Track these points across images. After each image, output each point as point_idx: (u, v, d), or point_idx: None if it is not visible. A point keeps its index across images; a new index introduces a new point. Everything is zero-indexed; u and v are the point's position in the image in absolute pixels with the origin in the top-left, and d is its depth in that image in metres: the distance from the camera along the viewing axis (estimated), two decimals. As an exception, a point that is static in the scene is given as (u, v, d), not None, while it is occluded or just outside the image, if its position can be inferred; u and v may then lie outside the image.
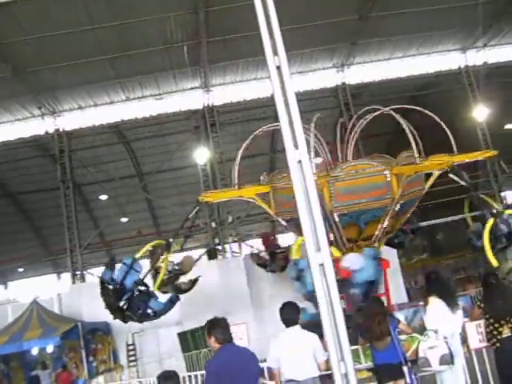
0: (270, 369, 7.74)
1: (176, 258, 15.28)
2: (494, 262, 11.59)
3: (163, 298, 13.76)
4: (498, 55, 29.84)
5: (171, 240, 14.48)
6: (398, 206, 13.78)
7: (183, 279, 14.89)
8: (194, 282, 14.97)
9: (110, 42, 22.28)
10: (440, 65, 29.45)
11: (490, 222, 12.35)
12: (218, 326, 5.57)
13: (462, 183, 13.32)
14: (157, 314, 13.47)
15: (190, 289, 15.02)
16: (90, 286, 24.14)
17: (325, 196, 13.31)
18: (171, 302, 13.83)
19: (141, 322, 13.83)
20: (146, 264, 14.84)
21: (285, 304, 7.16)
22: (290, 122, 3.48)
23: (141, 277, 13.37)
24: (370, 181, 13.64)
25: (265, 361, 7.20)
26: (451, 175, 13.24)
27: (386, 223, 14.04)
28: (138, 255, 13.84)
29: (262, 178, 15.67)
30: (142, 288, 13.33)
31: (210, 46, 23.78)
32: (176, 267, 14.79)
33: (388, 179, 13.57)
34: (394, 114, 13.97)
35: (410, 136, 13.30)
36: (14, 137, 27.80)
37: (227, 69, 26.69)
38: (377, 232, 14.30)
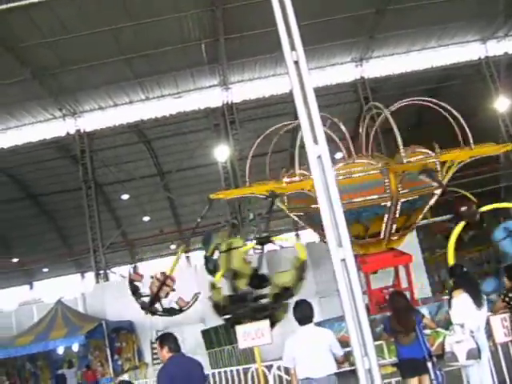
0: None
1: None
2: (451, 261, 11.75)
3: None
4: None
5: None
6: (399, 204, 13.76)
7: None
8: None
9: (127, 43, 22.39)
10: (460, 56, 29.12)
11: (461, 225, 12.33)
12: (170, 339, 6.32)
13: (434, 184, 13.19)
14: None
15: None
16: (114, 285, 24.42)
17: (391, 183, 13.39)
18: None
19: None
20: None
21: (298, 302, 7.10)
22: (309, 118, 3.45)
23: None
24: (368, 179, 13.61)
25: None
26: (421, 176, 13.14)
27: (390, 220, 14.01)
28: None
29: (282, 173, 15.67)
30: None
31: (227, 44, 23.79)
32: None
33: (385, 177, 13.56)
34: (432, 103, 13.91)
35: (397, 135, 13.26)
36: (35, 138, 28.13)
37: (245, 66, 26.68)
38: (382, 229, 14.28)
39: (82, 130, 28.04)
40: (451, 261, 11.62)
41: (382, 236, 14.61)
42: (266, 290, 12.20)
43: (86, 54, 22.32)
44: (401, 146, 13.45)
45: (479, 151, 14.06)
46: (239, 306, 12.71)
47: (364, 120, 15.93)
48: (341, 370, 6.68)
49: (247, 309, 12.59)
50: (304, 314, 6.88)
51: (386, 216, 14.00)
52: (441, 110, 14.30)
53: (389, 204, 13.74)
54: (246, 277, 12.47)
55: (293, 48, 3.54)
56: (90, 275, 30.24)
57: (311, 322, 6.84)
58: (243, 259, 12.68)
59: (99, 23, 20.72)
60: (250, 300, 12.14)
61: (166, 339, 6.31)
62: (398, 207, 13.80)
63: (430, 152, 14.05)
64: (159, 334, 20.30)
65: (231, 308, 12.70)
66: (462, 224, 12.05)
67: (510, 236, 11.36)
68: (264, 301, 12.25)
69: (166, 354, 6.18)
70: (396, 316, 7.62)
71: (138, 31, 21.78)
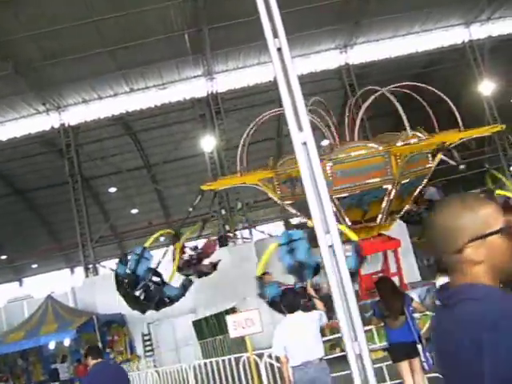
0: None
1: (199, 242, 15.38)
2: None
3: (176, 284, 13.75)
4: (502, 28, 29.49)
5: (180, 231, 14.68)
6: (399, 187, 13.76)
7: (205, 263, 14.92)
8: (214, 265, 15.02)
9: (110, 34, 22.21)
10: (444, 41, 29.18)
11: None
12: (93, 349, 7.29)
13: (452, 162, 13.23)
14: (172, 300, 13.56)
15: (210, 272, 15.08)
16: (104, 279, 24.36)
17: (393, 165, 13.36)
18: (184, 287, 13.80)
19: (157, 309, 13.90)
20: (156, 253, 14.94)
21: (284, 291, 7.20)
22: (293, 104, 3.44)
23: (151, 265, 13.38)
24: (370, 162, 13.58)
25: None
26: (441, 155, 13.18)
27: (388, 204, 14.01)
28: (147, 244, 13.90)
29: (269, 162, 15.68)
30: (156, 278, 13.39)
31: (211, 33, 23.66)
32: (199, 251, 14.87)
33: (386, 160, 13.53)
34: (388, 94, 13.88)
35: (403, 116, 13.23)
36: (19, 134, 27.87)
37: (229, 55, 26.58)
38: (380, 213, 14.30)
39: (66, 124, 27.83)
40: None
41: (378, 220, 14.65)
42: None
43: (69, 46, 22.11)
44: (408, 128, 13.50)
45: (466, 134, 14.12)
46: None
47: (350, 107, 15.90)
48: (331, 356, 6.73)
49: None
50: (291, 302, 6.95)
51: (386, 199, 14.04)
52: (416, 95, 14.36)
53: (390, 187, 13.78)
54: None
55: (275, 35, 3.52)
56: (80, 270, 30.14)
57: (298, 309, 6.89)
58: None
59: (81, 15, 20.52)
60: None
61: (89, 350, 7.27)
62: (397, 190, 13.86)
63: (422, 136, 14.10)
64: (150, 325, 20.36)
65: None
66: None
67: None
68: None
69: (90, 362, 6.95)
70: (384, 300, 7.68)
71: (121, 22, 21.61)
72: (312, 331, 6.67)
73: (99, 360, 6.89)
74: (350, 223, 13.95)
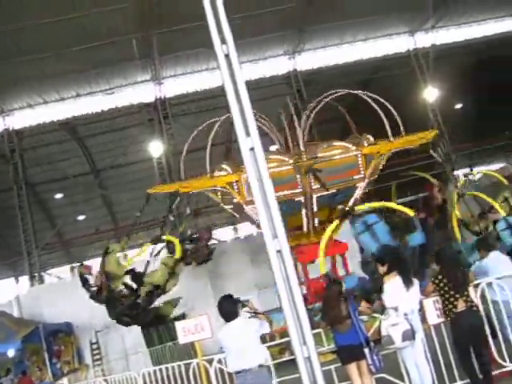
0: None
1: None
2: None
3: None
4: (446, 36, 30.33)
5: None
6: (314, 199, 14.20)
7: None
8: (211, 251, 15.79)
9: (55, 38, 21.78)
10: (390, 48, 29.81)
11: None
12: None
13: (319, 186, 13.65)
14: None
15: (209, 258, 16.98)
16: (50, 288, 23.84)
17: (303, 179, 13.54)
18: None
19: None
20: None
21: (222, 298, 7.12)
22: (240, 110, 3.46)
23: None
24: (345, 161, 13.94)
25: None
26: (310, 175, 13.56)
27: (309, 214, 14.38)
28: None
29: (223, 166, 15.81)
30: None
31: (159, 38, 23.51)
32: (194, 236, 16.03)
33: (359, 159, 13.93)
34: (309, 110, 14.09)
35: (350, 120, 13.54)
36: (-39, 138, 27.04)
37: (178, 60, 26.46)
38: (304, 223, 14.76)
39: (10, 129, 27.17)
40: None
41: (305, 229, 14.84)
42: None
43: (12, 49, 21.60)
44: (301, 142, 13.80)
45: (399, 143, 14.45)
46: (115, 306, 13.86)
47: (291, 116, 16.00)
48: (280, 360, 6.76)
49: (122, 307, 13.66)
50: (228, 310, 6.92)
51: (304, 211, 14.27)
52: (369, 100, 14.62)
53: (303, 199, 13.99)
54: (119, 278, 13.74)
55: (223, 41, 3.53)
56: (25, 278, 29.41)
57: (237, 316, 6.87)
58: (117, 262, 14.18)
59: (24, 17, 20.07)
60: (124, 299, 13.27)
61: None
62: (314, 202, 14.08)
63: (349, 146, 14.39)
64: (99, 333, 20.21)
65: (108, 307, 13.79)
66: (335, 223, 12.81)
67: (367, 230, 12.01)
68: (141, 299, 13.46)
69: None
70: (328, 305, 7.79)
71: (66, 26, 21.23)
72: (250, 339, 6.69)
73: None
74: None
